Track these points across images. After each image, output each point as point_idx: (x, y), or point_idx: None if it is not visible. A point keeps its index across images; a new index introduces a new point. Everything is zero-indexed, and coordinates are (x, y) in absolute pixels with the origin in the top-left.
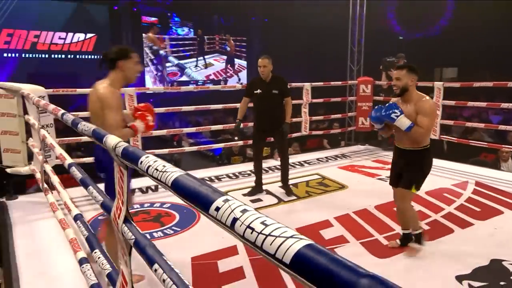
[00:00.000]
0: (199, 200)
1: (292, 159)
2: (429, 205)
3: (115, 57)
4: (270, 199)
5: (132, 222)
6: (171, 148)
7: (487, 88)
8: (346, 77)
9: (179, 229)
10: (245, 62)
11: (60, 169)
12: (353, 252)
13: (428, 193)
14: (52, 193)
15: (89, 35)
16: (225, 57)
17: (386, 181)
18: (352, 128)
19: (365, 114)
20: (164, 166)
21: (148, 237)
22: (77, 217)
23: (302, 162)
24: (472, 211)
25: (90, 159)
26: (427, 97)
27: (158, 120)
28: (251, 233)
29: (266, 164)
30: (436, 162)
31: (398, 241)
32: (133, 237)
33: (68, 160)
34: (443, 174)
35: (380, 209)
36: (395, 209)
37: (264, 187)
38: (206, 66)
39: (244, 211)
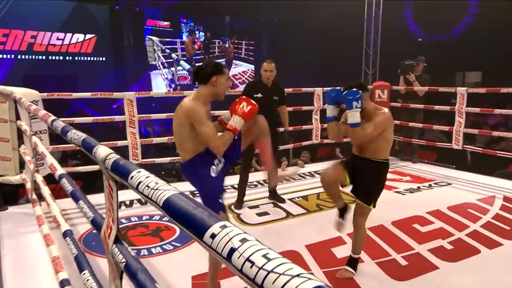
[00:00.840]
0: (192, 224)
1: (302, 169)
2: (451, 222)
3: (210, 71)
4: (277, 212)
5: (124, 243)
6: (173, 156)
7: None
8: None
9: (179, 245)
10: (253, 66)
11: (54, 179)
12: (368, 273)
13: (451, 208)
14: (40, 205)
15: (88, 36)
16: (237, 62)
17: (404, 194)
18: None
19: None
20: (156, 183)
21: (146, 253)
22: (67, 233)
23: (313, 173)
24: (500, 229)
25: (87, 168)
26: (385, 110)
27: (159, 126)
28: (251, 267)
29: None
30: (459, 174)
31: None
32: (123, 259)
33: (59, 170)
34: (467, 187)
35: (397, 225)
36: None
37: (270, 199)
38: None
39: (243, 240)
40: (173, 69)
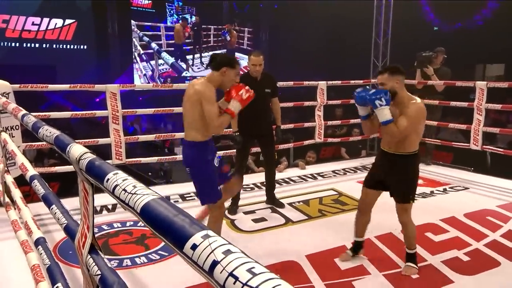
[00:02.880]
0: (171, 234)
1: (304, 171)
2: (468, 231)
3: (222, 61)
4: (276, 218)
5: (100, 253)
6: (161, 156)
7: None
8: (369, 75)
9: (166, 254)
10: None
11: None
12: (375, 287)
13: (468, 215)
14: (15, 208)
15: (68, 21)
16: (239, 54)
17: (415, 199)
18: (375, 135)
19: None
20: (134, 186)
21: (130, 263)
22: (39, 242)
23: (315, 175)
24: None
25: (65, 168)
26: (418, 100)
27: (147, 123)
28: (234, 283)
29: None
30: (478, 178)
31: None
32: (99, 272)
33: (31, 171)
34: (487, 192)
35: None
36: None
37: (268, 204)
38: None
39: (227, 252)
40: (153, 62)
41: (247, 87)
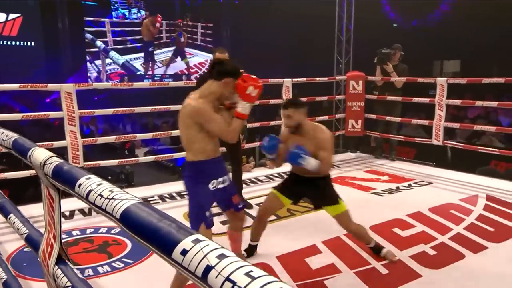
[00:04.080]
0: (158, 240)
1: (271, 170)
2: (433, 225)
3: (228, 70)
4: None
5: (68, 263)
6: (121, 158)
7: (495, 85)
8: (333, 72)
9: (131, 261)
10: (212, 56)
11: None
12: (346, 285)
13: (432, 210)
14: None
15: (12, 16)
16: (193, 50)
17: (382, 195)
18: (340, 132)
19: (356, 116)
20: (111, 191)
21: (92, 272)
22: None
23: (282, 174)
24: (484, 232)
25: (16, 174)
26: (321, 126)
27: (105, 124)
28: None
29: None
30: (440, 172)
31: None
32: (69, 283)
33: None
34: (449, 186)
35: (376, 230)
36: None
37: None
38: (165, 63)
39: (221, 256)
40: (98, 62)
41: (254, 80)
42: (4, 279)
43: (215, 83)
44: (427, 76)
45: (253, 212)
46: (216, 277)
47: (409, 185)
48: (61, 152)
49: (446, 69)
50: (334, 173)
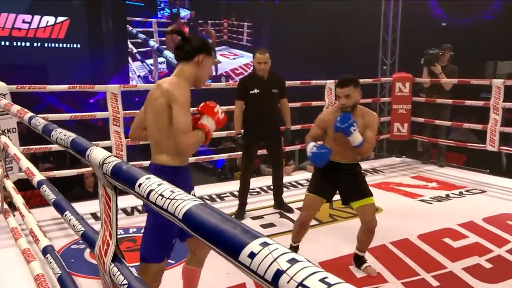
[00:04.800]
0: (224, 242)
1: (310, 173)
2: (488, 236)
3: (197, 46)
4: (284, 224)
5: (124, 261)
6: None
7: None
8: (377, 73)
9: (173, 262)
10: (251, 55)
11: (23, 184)
12: None
13: (487, 220)
14: (14, 215)
15: (60, 19)
16: (238, 51)
17: (430, 203)
18: (385, 136)
19: (402, 119)
20: (172, 191)
21: (135, 271)
22: (47, 250)
23: None
24: None
25: (62, 173)
26: (369, 110)
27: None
28: None
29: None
30: (494, 180)
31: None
32: (125, 281)
33: (38, 176)
34: (505, 196)
35: (425, 239)
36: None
37: (276, 209)
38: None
39: (292, 261)
40: (150, 61)
41: (218, 107)
42: (59, 274)
43: (186, 65)
44: (479, 77)
45: (294, 216)
46: (288, 282)
47: (460, 192)
48: None
49: (500, 70)
50: (377, 179)
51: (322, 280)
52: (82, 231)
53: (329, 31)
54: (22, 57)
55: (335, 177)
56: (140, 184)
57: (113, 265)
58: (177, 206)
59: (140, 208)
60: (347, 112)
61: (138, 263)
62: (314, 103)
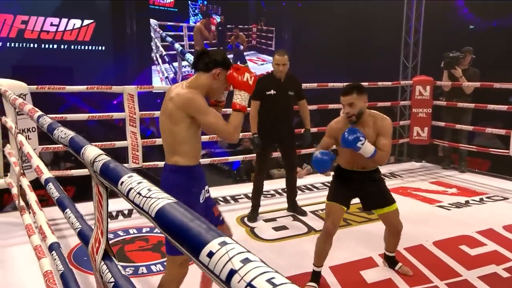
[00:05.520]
0: (187, 240)
1: (328, 177)
2: (508, 244)
3: (217, 60)
4: (298, 227)
5: (114, 259)
6: None
7: None
8: (398, 76)
9: None
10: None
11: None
12: None
13: (507, 228)
14: (29, 212)
15: (86, 22)
16: (266, 56)
17: (449, 209)
18: (404, 140)
19: (422, 123)
20: (149, 190)
21: (145, 271)
22: (53, 247)
23: None
24: None
25: (81, 171)
26: (379, 113)
27: None
28: None
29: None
30: None
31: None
32: (112, 279)
33: (46, 174)
34: None
35: (441, 246)
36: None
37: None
38: None
39: (245, 260)
40: (176, 64)
41: (244, 67)
42: (61, 271)
43: (203, 75)
44: (508, 81)
45: (307, 219)
46: (238, 282)
47: (481, 199)
48: (123, 152)
49: None
50: (395, 183)
51: (269, 280)
52: (79, 229)
53: (350, 34)
54: (49, 59)
55: (354, 186)
56: (122, 182)
57: (103, 262)
58: (151, 205)
59: None
60: (352, 127)
61: (148, 262)
62: (331, 106)
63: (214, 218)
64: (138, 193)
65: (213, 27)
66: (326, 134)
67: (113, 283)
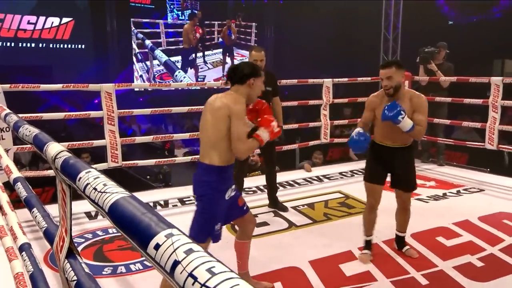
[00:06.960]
0: (137, 234)
1: (310, 173)
2: (482, 235)
3: (248, 73)
4: (279, 222)
5: (78, 257)
6: (159, 158)
7: None
8: (377, 72)
9: None
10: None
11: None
12: None
13: (482, 218)
14: (2, 214)
15: (65, 20)
16: (245, 52)
17: (427, 202)
18: None
19: None
20: (104, 185)
21: (124, 270)
22: (23, 248)
23: (321, 177)
24: None
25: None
26: (417, 92)
27: (148, 124)
28: (193, 284)
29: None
30: (494, 179)
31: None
32: (75, 277)
33: (15, 173)
34: (503, 194)
35: (418, 238)
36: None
37: (270, 207)
38: (217, 65)
39: (189, 251)
40: (148, 62)
41: (275, 121)
42: (31, 272)
43: (240, 87)
44: (486, 76)
45: (288, 215)
46: (181, 272)
47: (458, 191)
48: (102, 151)
49: (507, 68)
50: None
51: (209, 270)
52: (45, 228)
53: (331, 31)
54: (27, 58)
55: (387, 162)
56: (80, 178)
57: (66, 261)
58: (105, 199)
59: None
60: (394, 101)
61: (127, 261)
62: (311, 102)
63: (238, 208)
64: (94, 188)
65: (197, 35)
66: (366, 108)
67: (75, 281)
